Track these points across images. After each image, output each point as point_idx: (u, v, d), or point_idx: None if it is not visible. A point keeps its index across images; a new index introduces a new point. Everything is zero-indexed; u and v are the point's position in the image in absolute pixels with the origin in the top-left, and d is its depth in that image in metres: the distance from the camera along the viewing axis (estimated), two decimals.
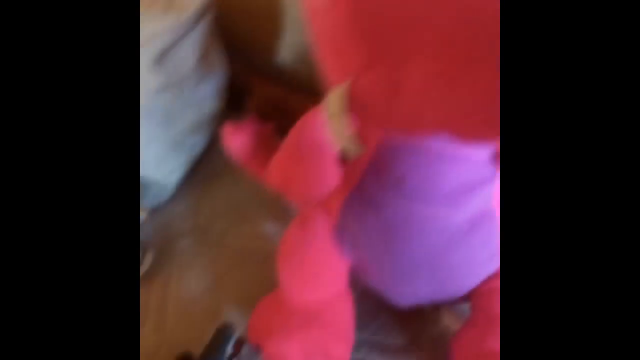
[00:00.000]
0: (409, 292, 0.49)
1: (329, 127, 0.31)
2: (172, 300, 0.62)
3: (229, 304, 0.60)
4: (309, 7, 0.33)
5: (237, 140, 0.61)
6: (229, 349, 0.48)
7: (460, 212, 0.41)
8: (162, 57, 0.58)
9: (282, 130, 0.61)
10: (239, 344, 0.49)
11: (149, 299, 0.62)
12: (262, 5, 0.75)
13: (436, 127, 0.28)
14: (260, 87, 0.79)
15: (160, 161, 0.67)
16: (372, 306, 0.59)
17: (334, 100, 0.30)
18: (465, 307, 0.56)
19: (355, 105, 0.29)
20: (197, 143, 0.73)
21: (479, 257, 0.44)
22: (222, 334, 0.48)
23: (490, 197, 0.42)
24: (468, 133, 0.29)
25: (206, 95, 0.68)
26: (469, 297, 0.49)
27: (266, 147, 0.61)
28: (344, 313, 0.53)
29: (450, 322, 0.57)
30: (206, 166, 0.78)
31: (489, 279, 0.47)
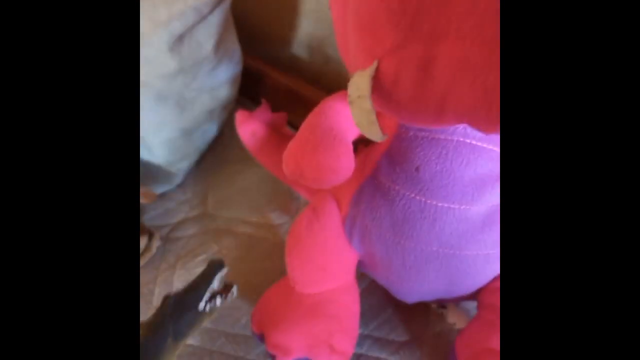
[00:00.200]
0: (417, 287, 0.48)
1: (352, 111, 0.31)
2: (178, 287, 0.61)
3: None
4: None
5: (249, 128, 0.61)
6: (216, 283, 0.47)
7: (475, 207, 0.40)
8: (178, 41, 0.57)
9: (294, 120, 0.61)
10: (229, 286, 0.49)
11: (154, 285, 0.61)
12: None
13: (462, 112, 0.27)
14: (272, 76, 0.79)
15: (172, 147, 0.67)
16: (377, 301, 0.59)
17: (359, 82, 0.29)
18: (471, 305, 0.55)
19: (382, 87, 0.28)
20: (209, 130, 0.73)
21: (491, 255, 0.43)
22: (211, 266, 0.47)
23: None
24: (489, 122, 0.28)
25: (221, 81, 0.68)
26: (476, 294, 0.49)
27: (278, 136, 0.61)
28: (350, 306, 0.52)
29: (455, 319, 0.57)
30: (216, 154, 0.78)
31: (498, 277, 0.46)
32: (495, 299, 0.46)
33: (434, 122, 0.30)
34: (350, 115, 0.33)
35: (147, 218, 0.69)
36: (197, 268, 0.63)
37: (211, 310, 0.47)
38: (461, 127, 0.37)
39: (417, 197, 0.41)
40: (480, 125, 0.28)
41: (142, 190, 0.63)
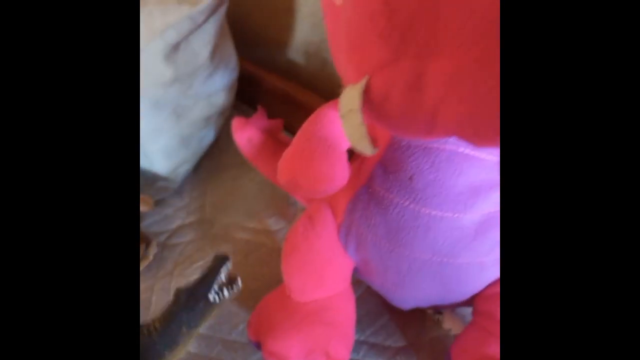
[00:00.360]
0: (412, 294, 0.48)
1: (343, 124, 0.31)
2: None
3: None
4: (327, 3, 0.33)
5: (245, 135, 0.61)
6: (222, 275, 0.50)
7: (469, 215, 0.40)
8: (174, 49, 0.58)
9: (291, 125, 0.62)
10: (234, 278, 0.51)
11: (152, 290, 0.62)
12: (273, 0, 0.75)
13: (453, 127, 0.27)
14: (269, 80, 0.79)
15: (170, 154, 0.67)
16: (373, 307, 0.59)
17: (349, 97, 0.29)
18: (467, 311, 0.56)
19: (372, 102, 0.29)
20: (206, 136, 0.73)
21: (485, 262, 0.43)
22: (217, 260, 0.50)
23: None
24: (480, 136, 0.28)
25: (217, 88, 0.68)
26: (471, 301, 0.49)
27: (274, 142, 0.62)
28: (346, 312, 0.53)
29: (450, 325, 0.57)
30: (213, 160, 0.78)
31: (493, 283, 0.47)
32: (490, 306, 0.47)
33: (425, 135, 0.30)
34: None
35: (145, 225, 0.69)
36: (194, 275, 0.63)
37: (220, 300, 0.50)
38: (454, 137, 0.37)
39: (411, 206, 0.41)
40: (471, 138, 0.28)
41: (140, 197, 0.63)
